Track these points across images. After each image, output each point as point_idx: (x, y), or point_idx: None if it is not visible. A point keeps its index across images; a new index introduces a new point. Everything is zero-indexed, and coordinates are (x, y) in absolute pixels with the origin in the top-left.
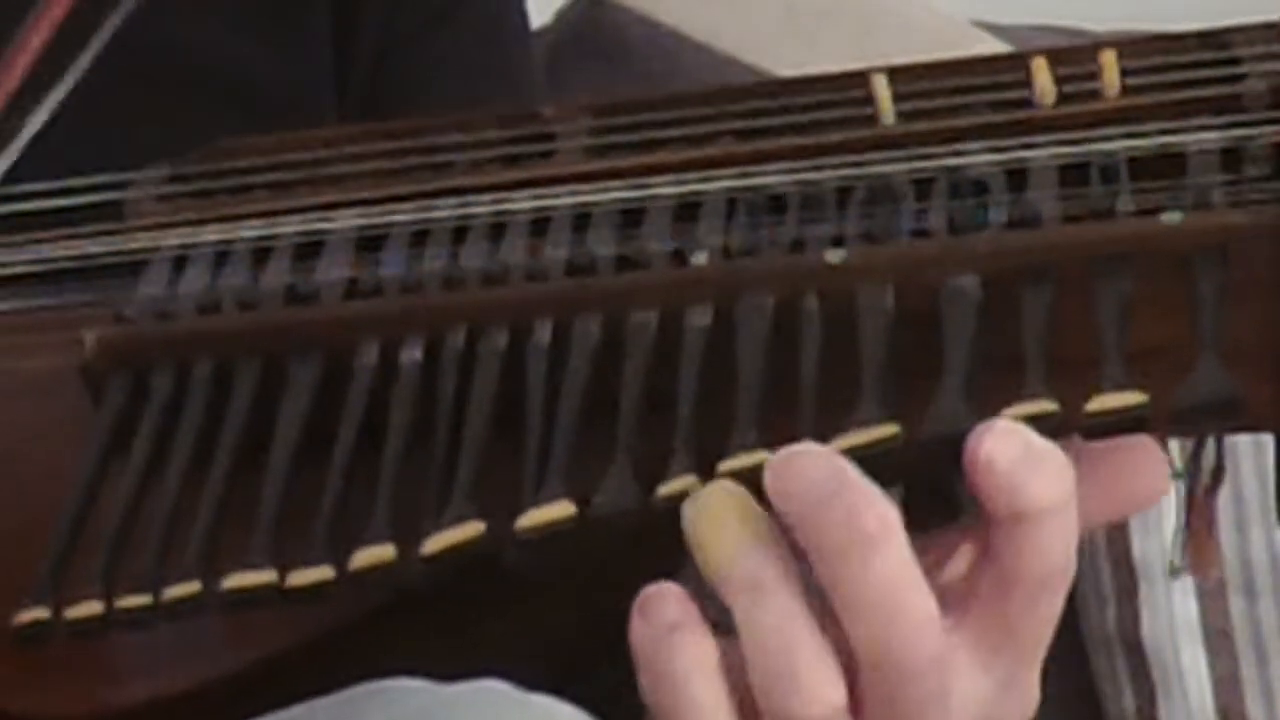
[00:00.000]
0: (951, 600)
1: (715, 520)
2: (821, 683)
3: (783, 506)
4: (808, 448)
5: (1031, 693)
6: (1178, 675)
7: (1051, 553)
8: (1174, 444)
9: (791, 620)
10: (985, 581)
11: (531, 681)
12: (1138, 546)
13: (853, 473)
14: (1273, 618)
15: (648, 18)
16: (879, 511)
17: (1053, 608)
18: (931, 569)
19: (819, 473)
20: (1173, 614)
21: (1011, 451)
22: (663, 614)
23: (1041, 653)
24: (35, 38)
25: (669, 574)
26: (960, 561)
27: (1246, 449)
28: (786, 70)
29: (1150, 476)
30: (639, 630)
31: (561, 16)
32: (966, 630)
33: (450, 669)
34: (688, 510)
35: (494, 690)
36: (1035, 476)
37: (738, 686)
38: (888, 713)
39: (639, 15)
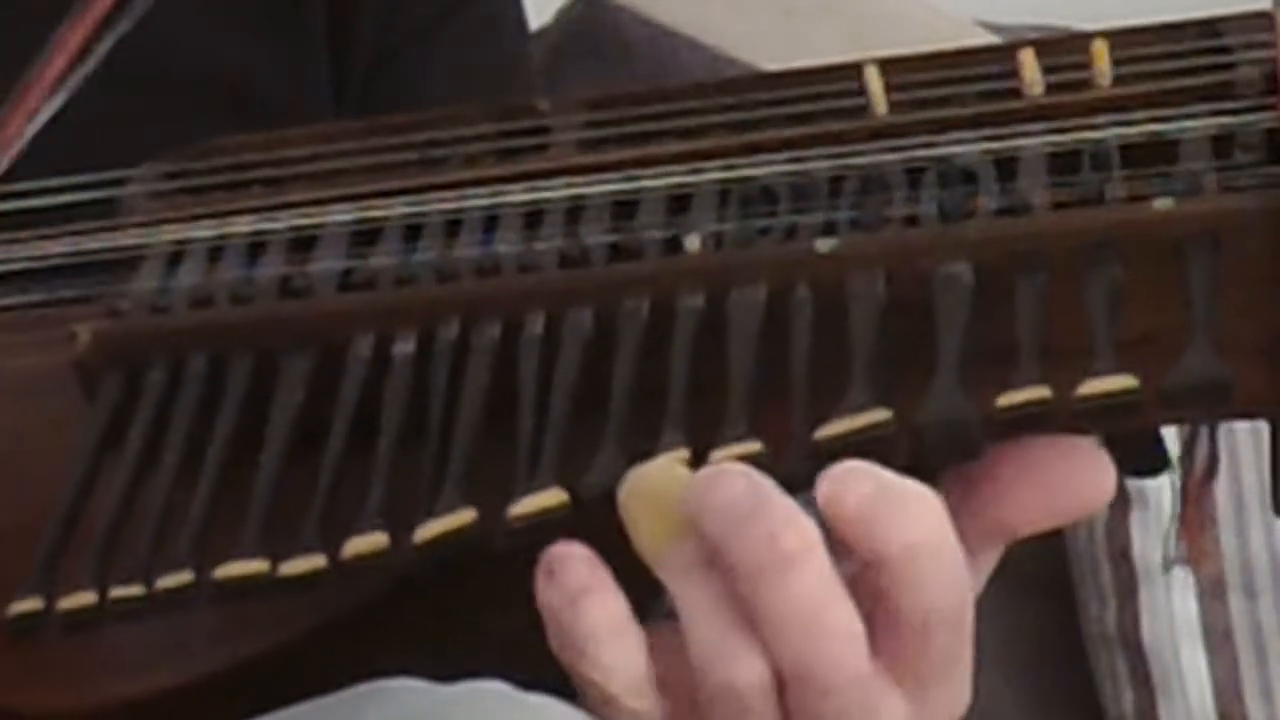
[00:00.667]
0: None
1: (653, 501)
2: (751, 660)
3: (703, 524)
4: (729, 467)
5: (956, 702)
6: (1178, 675)
7: (929, 590)
8: (1169, 434)
9: (720, 598)
10: (878, 614)
11: (528, 681)
12: (1138, 546)
13: (772, 491)
14: (1273, 618)
15: (646, 18)
16: (798, 530)
17: (949, 641)
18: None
19: (738, 491)
20: (1173, 614)
21: (861, 494)
22: (571, 576)
23: (955, 670)
24: (60, 57)
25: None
26: None
27: (1247, 449)
28: (778, 65)
29: (1093, 478)
30: (545, 591)
31: (561, 16)
32: (879, 653)
33: (445, 666)
34: (622, 490)
35: (491, 690)
36: (891, 518)
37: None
38: None
39: (637, 16)
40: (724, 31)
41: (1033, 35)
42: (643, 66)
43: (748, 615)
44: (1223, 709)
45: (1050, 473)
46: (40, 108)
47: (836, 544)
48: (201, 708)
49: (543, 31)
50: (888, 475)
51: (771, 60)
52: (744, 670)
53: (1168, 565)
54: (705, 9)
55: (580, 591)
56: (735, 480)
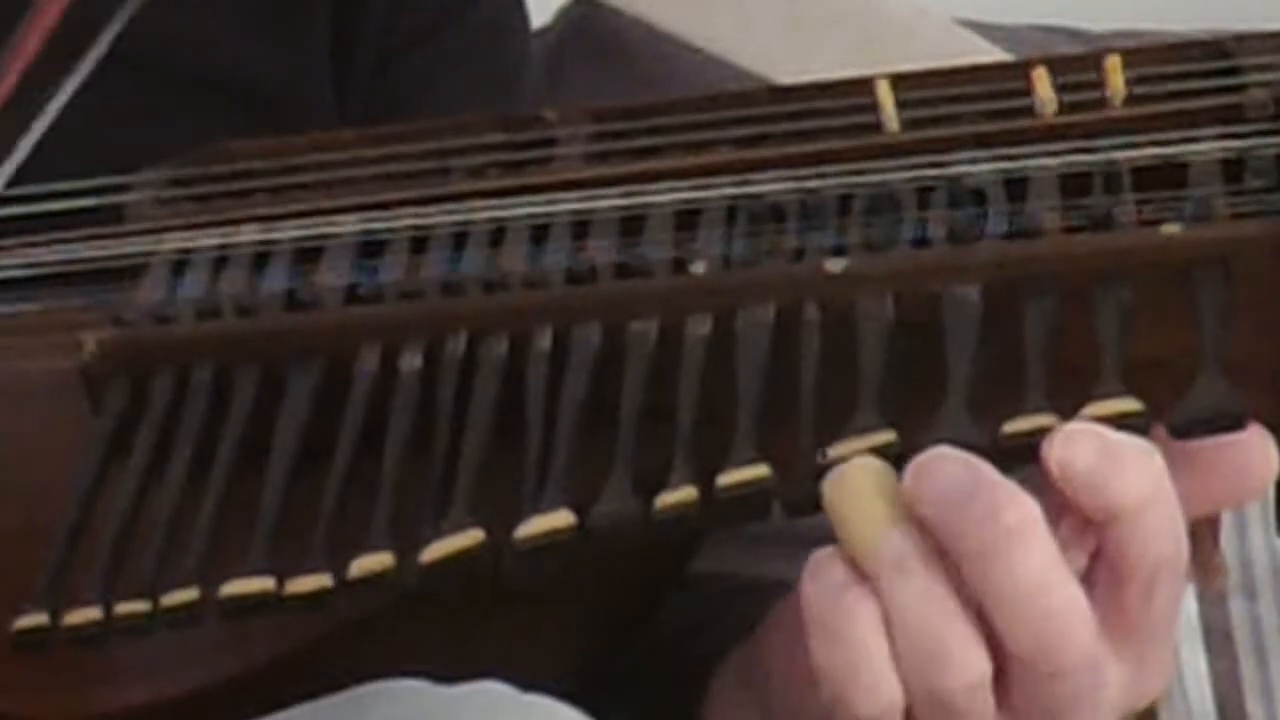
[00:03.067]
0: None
1: (858, 497)
2: (969, 655)
3: (922, 511)
4: (943, 451)
5: (1165, 668)
6: (1178, 675)
7: (1154, 543)
8: None
9: (938, 598)
10: (1099, 574)
11: (529, 683)
12: None
13: (990, 472)
14: (1273, 618)
15: (648, 25)
16: (1020, 506)
17: (1171, 593)
18: None
19: (956, 474)
20: None
21: (1088, 454)
22: (833, 574)
23: (1170, 630)
24: (31, 41)
25: (673, 580)
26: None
27: None
28: (787, 79)
29: (1258, 461)
30: (810, 591)
31: (561, 16)
32: (1103, 619)
33: (449, 671)
34: (828, 487)
35: (494, 691)
36: (1117, 475)
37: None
38: (1039, 709)
39: (638, 22)
40: (726, 39)
41: (1034, 36)
42: (644, 68)
43: (971, 606)
44: (1223, 709)
45: (1215, 457)
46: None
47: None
48: (205, 716)
49: (543, 31)
50: (1110, 433)
51: (777, 71)
52: (961, 670)
53: None
54: (710, 18)
55: (844, 587)
56: (951, 464)
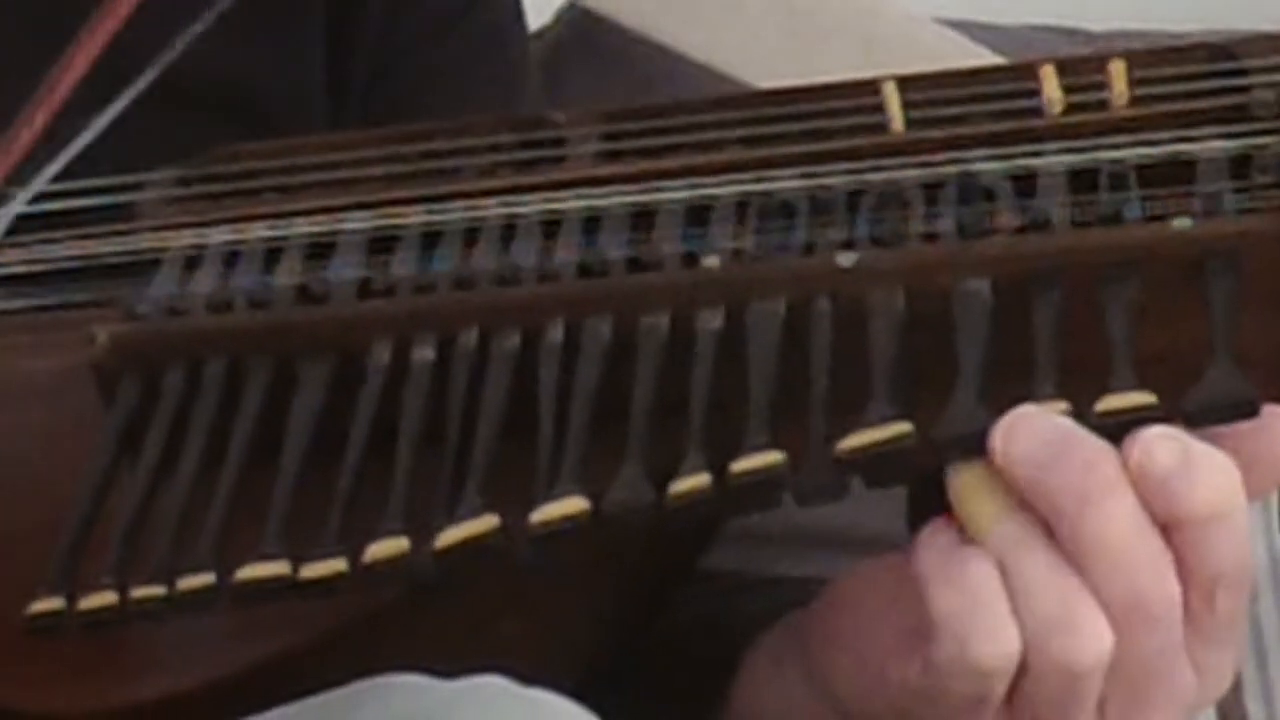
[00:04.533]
0: None
1: (973, 486)
2: (1098, 625)
3: (1015, 469)
4: (1027, 410)
5: (1228, 669)
6: None
7: (1220, 554)
8: None
9: (1061, 570)
10: None
11: (538, 681)
12: None
13: (1076, 427)
14: (1273, 618)
15: (643, 36)
16: (1113, 460)
17: (1233, 603)
18: None
19: (1047, 432)
20: None
21: (1169, 457)
22: (945, 538)
23: (1231, 638)
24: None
25: (683, 574)
26: None
27: None
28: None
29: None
30: (925, 554)
31: (559, 19)
32: None
33: (463, 668)
34: (950, 474)
35: (495, 685)
36: (1197, 482)
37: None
38: (1135, 672)
39: (636, 34)
40: (725, 50)
41: (1033, 36)
42: (642, 71)
43: (1078, 564)
44: (1223, 709)
45: (1247, 448)
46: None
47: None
48: (213, 711)
49: (542, 32)
50: (1192, 440)
51: (777, 79)
52: (1092, 641)
53: None
54: (709, 29)
55: (958, 545)
56: (1038, 421)
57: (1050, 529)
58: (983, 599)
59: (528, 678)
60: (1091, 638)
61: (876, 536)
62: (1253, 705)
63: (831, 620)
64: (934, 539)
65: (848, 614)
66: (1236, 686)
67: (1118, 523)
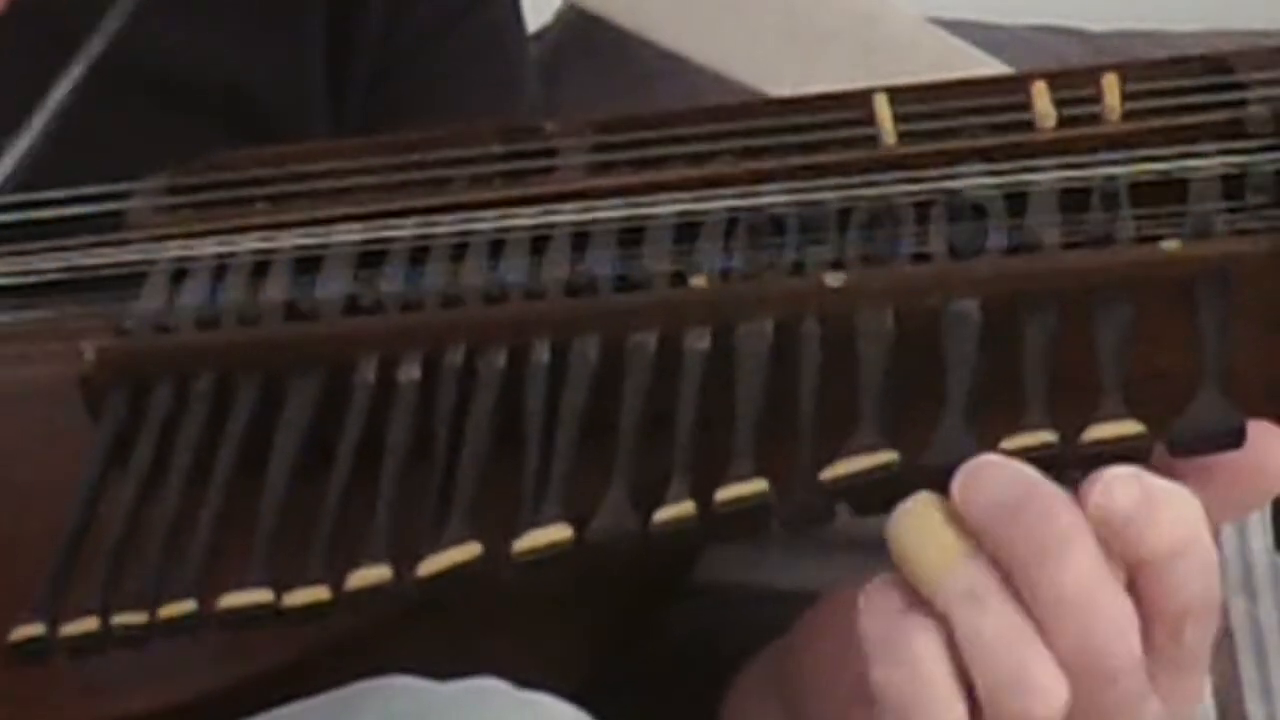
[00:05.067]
0: None
1: (923, 532)
2: (1053, 682)
3: (975, 517)
4: (990, 458)
5: (1195, 694)
6: None
7: (1187, 589)
8: None
9: (1015, 625)
10: (1137, 611)
11: (533, 689)
12: None
13: (1039, 477)
14: (1273, 618)
15: (644, 39)
16: (1073, 511)
17: (1201, 632)
18: None
19: (1007, 480)
20: None
21: (1129, 499)
22: (890, 600)
23: (1201, 664)
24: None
25: (671, 590)
26: None
27: None
28: (786, 90)
29: (1273, 464)
30: (867, 619)
31: (558, 20)
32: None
33: (450, 679)
34: (893, 524)
35: (492, 688)
36: (1158, 522)
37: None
38: None
39: (635, 37)
40: (727, 53)
41: (1033, 36)
42: (640, 73)
43: (1034, 616)
44: (1223, 709)
45: (1234, 464)
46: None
47: None
48: None
49: (541, 32)
50: (1151, 479)
51: (775, 82)
52: (1045, 697)
53: None
54: (708, 31)
55: (903, 612)
56: (1001, 470)
57: (1005, 579)
58: (923, 673)
59: (517, 684)
60: (1046, 694)
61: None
62: (1253, 705)
63: (798, 657)
64: (879, 600)
65: (810, 653)
66: (1237, 686)
67: (1075, 575)
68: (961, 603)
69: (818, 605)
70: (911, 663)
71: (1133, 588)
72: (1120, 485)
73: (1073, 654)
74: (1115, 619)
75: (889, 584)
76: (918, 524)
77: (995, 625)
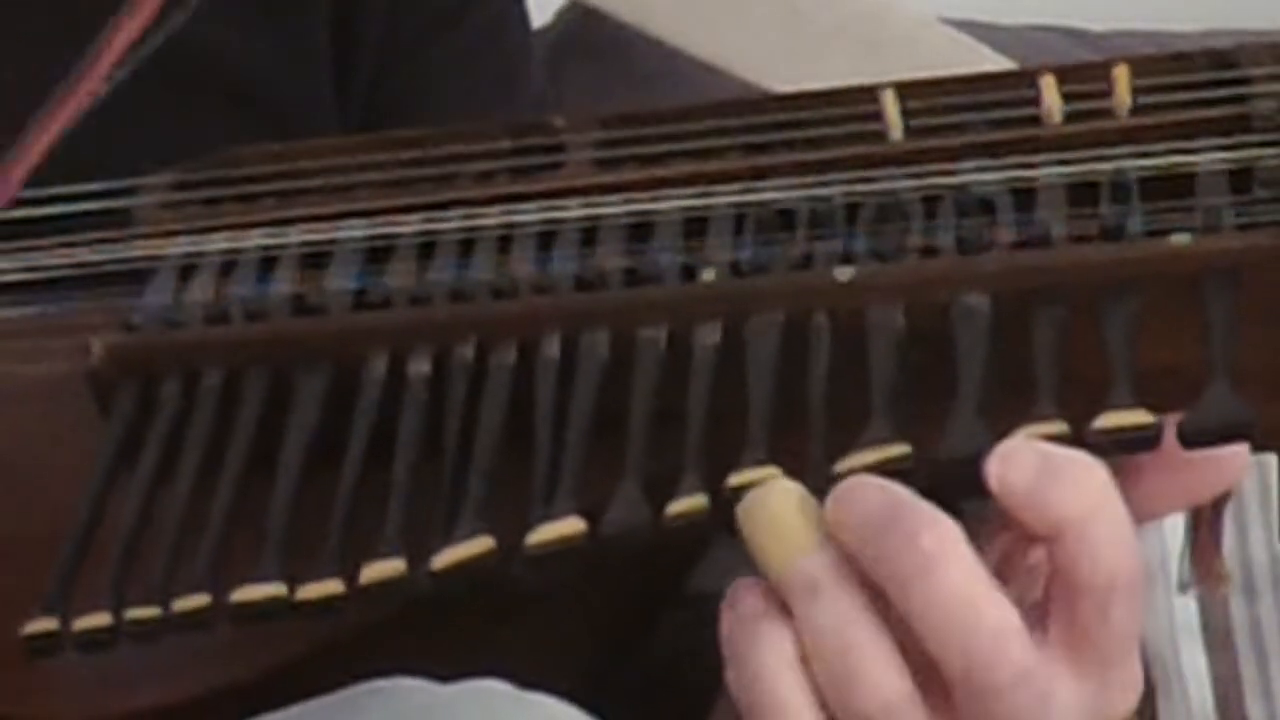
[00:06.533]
0: (1037, 611)
1: (771, 520)
2: (881, 674)
3: (844, 537)
4: (863, 479)
5: (1132, 684)
6: (1178, 675)
7: (1104, 557)
8: None
9: (849, 621)
10: (1053, 592)
11: (536, 689)
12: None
13: (907, 497)
14: (1273, 618)
15: (647, 36)
16: (937, 529)
17: (1128, 611)
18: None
19: (874, 502)
20: (1173, 614)
21: (1026, 470)
22: (747, 604)
23: (1132, 649)
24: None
25: (674, 588)
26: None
27: (1245, 449)
28: (789, 87)
29: (1226, 454)
30: (728, 622)
31: (560, 17)
32: (1053, 640)
33: (456, 675)
34: (743, 509)
35: (493, 689)
36: (1057, 490)
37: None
38: None
39: (639, 33)
40: (730, 50)
41: (1035, 36)
42: (644, 67)
43: (889, 628)
44: (1223, 709)
45: (1180, 456)
46: (82, 106)
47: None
48: (210, 719)
49: (542, 31)
50: (1050, 448)
51: (779, 82)
52: (873, 689)
53: (1182, 589)
54: (711, 28)
55: (756, 618)
56: (871, 491)
57: (855, 575)
58: (771, 685)
59: (522, 685)
60: (873, 687)
61: None
62: (1253, 705)
63: None
64: (738, 603)
65: None
66: (1237, 686)
67: (950, 591)
68: (802, 596)
69: None
70: (759, 672)
71: (1053, 570)
72: (1018, 456)
73: (959, 671)
74: (996, 631)
75: (750, 587)
76: (766, 514)
77: (830, 620)
